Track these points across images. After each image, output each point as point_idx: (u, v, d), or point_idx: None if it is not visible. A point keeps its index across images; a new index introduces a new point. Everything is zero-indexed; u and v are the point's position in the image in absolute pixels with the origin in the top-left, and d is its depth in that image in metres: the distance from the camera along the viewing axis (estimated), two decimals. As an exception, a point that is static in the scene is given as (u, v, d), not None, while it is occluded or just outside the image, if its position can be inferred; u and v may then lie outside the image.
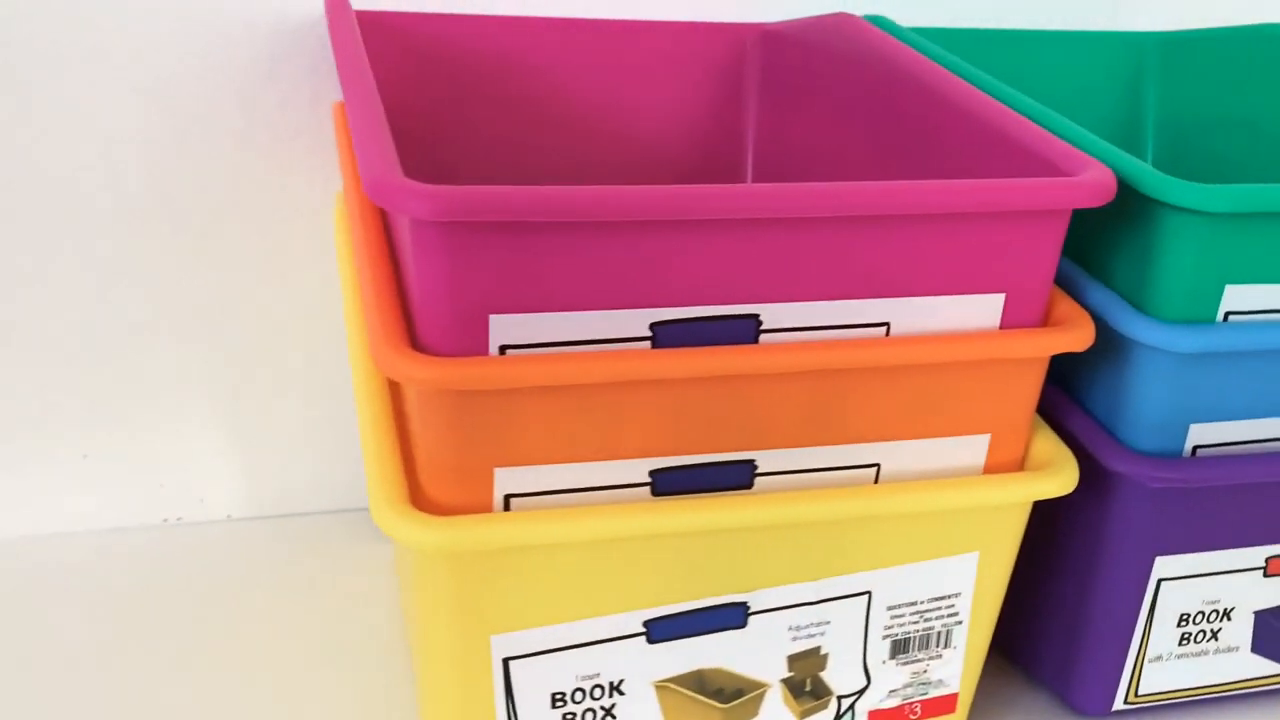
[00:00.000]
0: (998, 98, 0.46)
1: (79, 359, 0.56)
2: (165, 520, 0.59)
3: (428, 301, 0.33)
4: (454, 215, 0.31)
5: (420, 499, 0.36)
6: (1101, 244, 0.43)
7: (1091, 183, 0.37)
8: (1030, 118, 0.45)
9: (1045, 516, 0.45)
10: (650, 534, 0.36)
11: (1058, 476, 0.39)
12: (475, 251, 0.33)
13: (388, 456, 0.36)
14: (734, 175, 0.59)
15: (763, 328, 0.36)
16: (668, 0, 0.59)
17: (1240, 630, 0.46)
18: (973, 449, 0.40)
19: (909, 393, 0.38)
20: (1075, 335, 0.38)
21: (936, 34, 0.60)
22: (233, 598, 0.53)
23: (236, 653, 0.50)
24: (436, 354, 0.34)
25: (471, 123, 0.55)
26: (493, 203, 0.32)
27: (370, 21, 0.51)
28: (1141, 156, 0.65)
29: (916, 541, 0.40)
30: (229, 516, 0.60)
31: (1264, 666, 0.48)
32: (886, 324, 0.38)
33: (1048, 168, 0.39)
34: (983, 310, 0.38)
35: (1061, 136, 0.43)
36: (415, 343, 0.34)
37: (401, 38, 0.53)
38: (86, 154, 0.53)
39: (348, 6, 0.49)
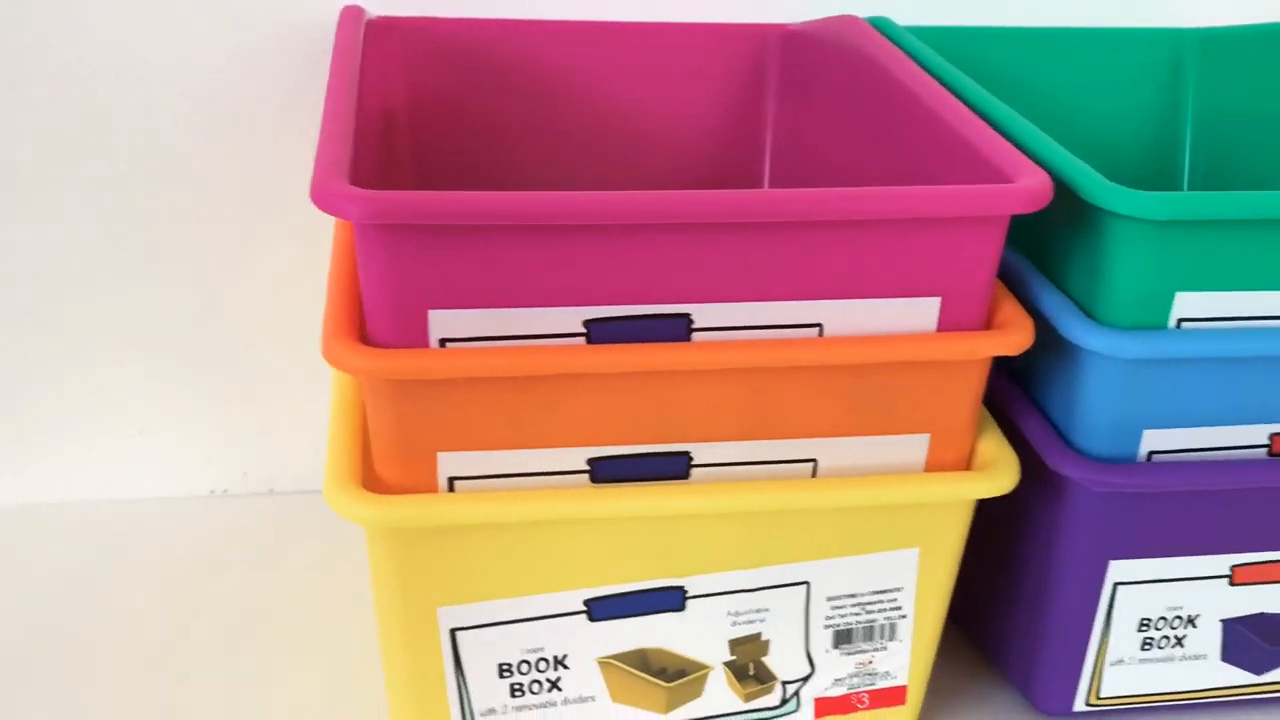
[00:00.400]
0: (970, 100, 0.47)
1: (136, 344, 0.61)
2: (211, 491, 0.64)
3: (371, 297, 0.36)
4: (382, 218, 0.34)
5: (373, 481, 0.39)
6: (1058, 248, 0.43)
7: (1023, 190, 0.38)
8: (996, 120, 0.45)
9: (1004, 515, 0.46)
10: (583, 518, 0.39)
11: (995, 478, 0.40)
12: (413, 251, 0.36)
13: (345, 441, 0.39)
14: (752, 174, 0.60)
15: (694, 326, 0.38)
16: (694, 2, 0.61)
17: (1207, 638, 0.46)
18: (912, 448, 0.41)
19: (844, 392, 0.40)
20: (1010, 339, 0.39)
21: (964, 34, 0.60)
22: (271, 565, 0.57)
23: (272, 614, 0.54)
24: (381, 346, 0.37)
25: (499, 125, 0.57)
26: (419, 207, 0.34)
27: (398, 27, 0.54)
28: (1179, 155, 0.64)
29: (854, 535, 0.41)
30: (271, 490, 0.64)
31: (1236, 676, 0.47)
32: (819, 325, 0.39)
33: (993, 173, 0.40)
34: (918, 313, 0.39)
35: (1019, 139, 0.43)
36: (365, 336, 0.37)
37: (429, 41, 0.56)
38: (136, 151, 0.58)
39: (359, 16, 0.52)
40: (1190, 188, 0.65)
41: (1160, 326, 0.41)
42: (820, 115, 0.56)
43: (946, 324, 0.40)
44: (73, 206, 0.58)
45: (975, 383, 0.41)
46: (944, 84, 0.49)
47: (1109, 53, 0.62)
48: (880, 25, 0.56)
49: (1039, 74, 0.62)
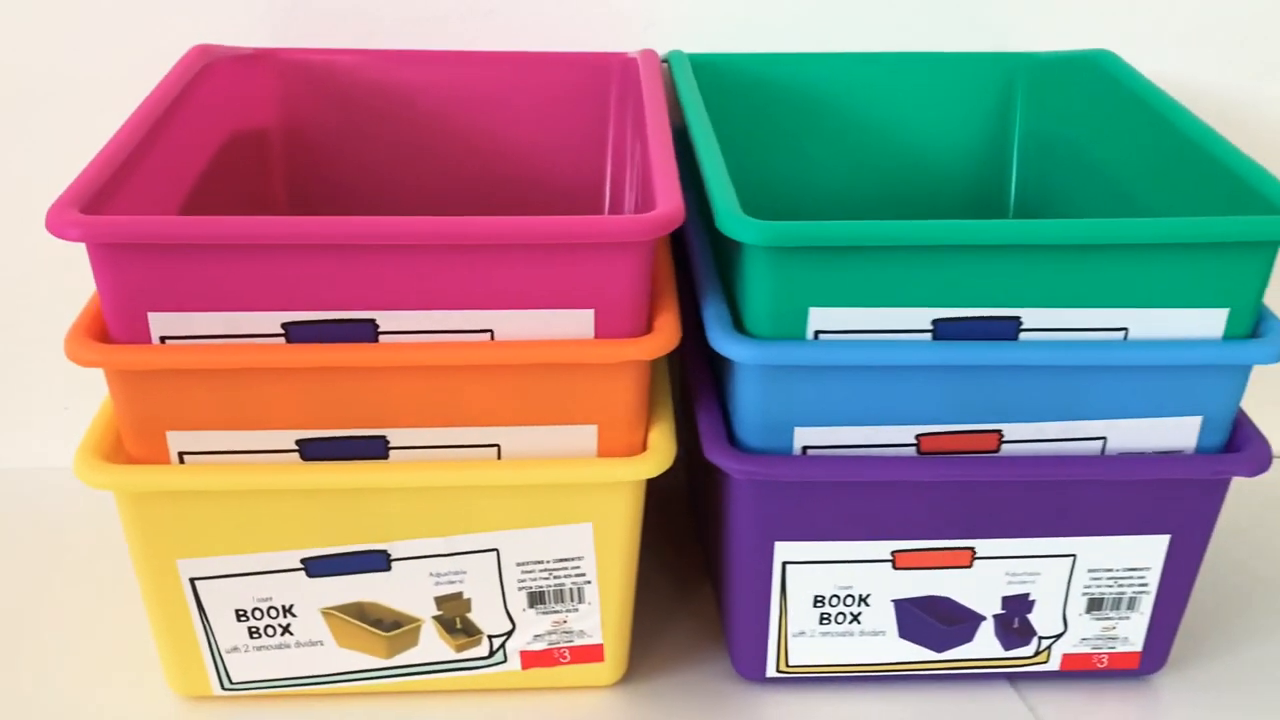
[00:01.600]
0: (693, 130, 0.53)
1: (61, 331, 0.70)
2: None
3: (105, 302, 0.46)
4: (97, 240, 0.43)
5: (122, 455, 0.48)
6: (732, 266, 0.49)
7: (644, 220, 0.45)
8: (699, 151, 0.52)
9: (713, 496, 0.53)
10: (291, 489, 0.47)
11: (644, 464, 0.48)
12: (131, 265, 0.45)
13: (103, 422, 0.48)
14: (596, 196, 0.67)
15: (381, 330, 0.46)
16: (550, 31, 0.68)
17: (881, 616, 0.52)
18: (583, 436, 0.49)
19: (516, 388, 0.47)
20: (648, 346, 0.46)
21: (804, 60, 0.67)
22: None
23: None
24: (117, 343, 0.45)
25: (369, 148, 0.66)
26: (126, 230, 0.44)
27: (271, 58, 0.63)
28: (1007, 174, 0.69)
29: (533, 510, 0.49)
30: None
31: (918, 652, 0.54)
32: (490, 330, 0.46)
33: (651, 204, 0.47)
34: (576, 322, 0.47)
35: (704, 170, 0.50)
36: (108, 335, 0.46)
37: (301, 71, 0.64)
38: (59, 158, 0.67)
39: (204, 55, 0.60)
40: (1016, 209, 0.71)
41: (799, 337, 0.47)
42: (634, 142, 0.63)
43: (603, 331, 0.47)
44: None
45: (634, 381, 0.48)
46: (685, 115, 0.56)
47: (944, 77, 0.68)
48: (669, 59, 0.63)
49: (877, 98, 0.68)
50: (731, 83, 0.67)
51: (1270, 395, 0.60)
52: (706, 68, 0.65)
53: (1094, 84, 0.64)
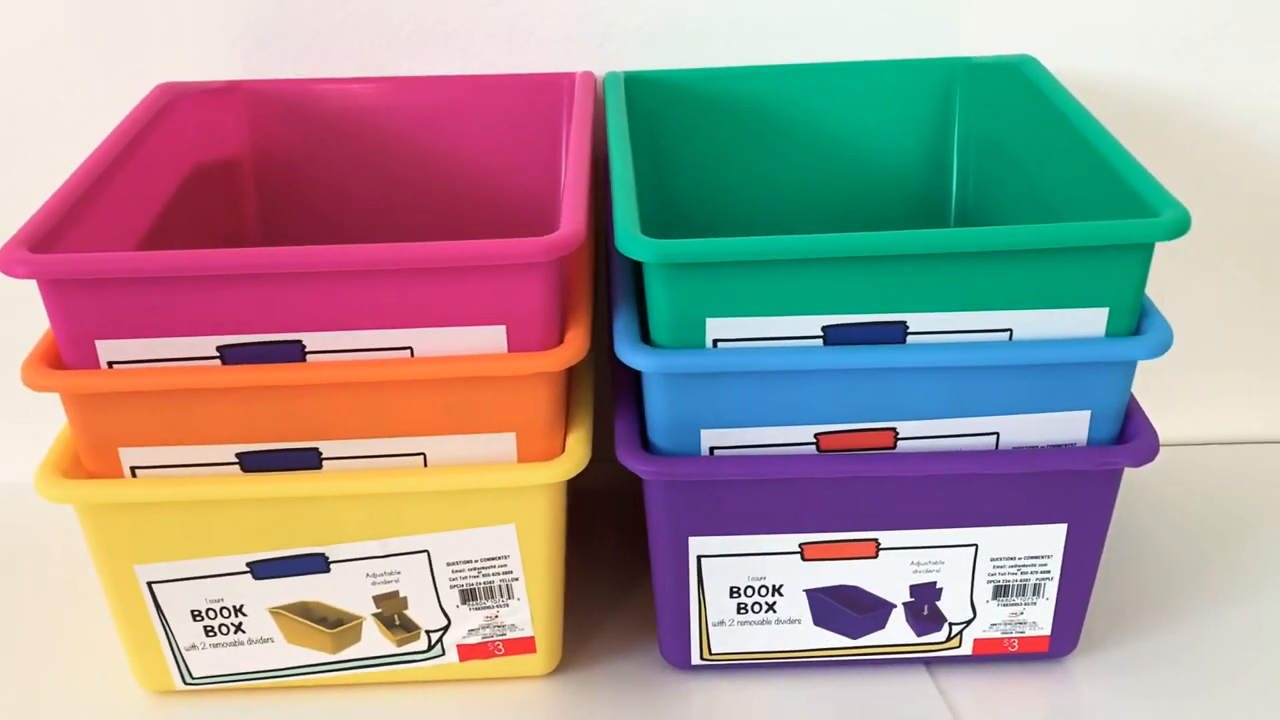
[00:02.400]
0: (614, 150, 0.57)
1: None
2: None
3: (56, 331, 0.50)
4: (42, 276, 0.48)
5: (80, 470, 0.52)
6: (644, 279, 0.53)
7: (544, 242, 0.48)
8: (616, 172, 0.55)
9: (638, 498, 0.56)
10: (234, 499, 0.52)
11: (554, 468, 0.51)
12: (78, 297, 0.50)
13: (64, 440, 0.52)
14: (553, 212, 0.70)
15: (308, 350, 0.50)
16: (512, 51, 0.72)
17: (795, 605, 0.56)
18: (503, 444, 0.53)
19: (435, 400, 0.52)
20: (554, 359, 0.50)
21: (752, 72, 0.70)
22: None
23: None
24: (70, 369, 0.50)
25: (337, 174, 0.70)
26: (70, 266, 0.48)
27: (240, 89, 0.68)
28: (947, 177, 0.72)
29: (458, 513, 0.54)
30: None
31: (833, 640, 0.57)
32: (410, 348, 0.50)
33: (551, 227, 0.50)
34: (489, 338, 0.51)
35: (617, 191, 0.53)
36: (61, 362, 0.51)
37: (270, 101, 0.69)
38: (31, 198, 0.72)
39: (167, 93, 0.65)
40: (957, 213, 0.73)
41: (699, 346, 0.51)
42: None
43: (515, 345, 0.51)
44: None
45: (547, 390, 0.52)
46: (611, 136, 0.59)
47: (888, 83, 0.71)
48: (606, 80, 0.66)
49: (824, 107, 0.71)
50: (678, 98, 0.70)
51: (1174, 386, 0.62)
52: (651, 85, 0.69)
53: (1017, 89, 0.67)
